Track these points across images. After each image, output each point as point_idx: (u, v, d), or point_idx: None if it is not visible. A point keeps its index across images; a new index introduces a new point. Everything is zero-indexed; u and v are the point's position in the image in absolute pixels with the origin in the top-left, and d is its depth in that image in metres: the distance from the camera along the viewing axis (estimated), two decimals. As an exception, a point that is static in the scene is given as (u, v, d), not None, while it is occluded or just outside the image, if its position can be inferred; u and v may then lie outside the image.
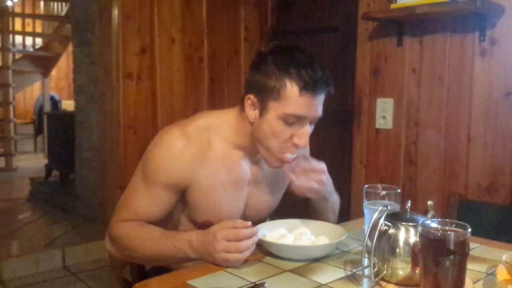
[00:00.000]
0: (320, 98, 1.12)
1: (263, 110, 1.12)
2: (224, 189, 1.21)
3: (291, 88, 1.08)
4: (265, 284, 0.92)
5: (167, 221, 1.24)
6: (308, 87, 1.07)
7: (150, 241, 1.11)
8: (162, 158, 1.15)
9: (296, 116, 1.09)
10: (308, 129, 1.13)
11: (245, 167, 1.24)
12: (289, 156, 1.15)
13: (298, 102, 1.08)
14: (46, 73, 6.73)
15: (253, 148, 1.20)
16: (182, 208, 1.24)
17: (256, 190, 1.28)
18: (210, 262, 1.04)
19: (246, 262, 1.05)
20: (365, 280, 0.97)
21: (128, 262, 1.35)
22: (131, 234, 1.14)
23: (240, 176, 1.23)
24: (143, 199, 1.17)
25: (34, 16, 6.87)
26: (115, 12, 2.52)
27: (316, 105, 1.11)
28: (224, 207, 1.22)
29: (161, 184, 1.15)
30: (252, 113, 1.14)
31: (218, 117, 1.24)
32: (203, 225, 1.20)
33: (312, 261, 1.07)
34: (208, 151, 1.18)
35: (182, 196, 1.20)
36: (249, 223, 1.05)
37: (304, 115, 1.10)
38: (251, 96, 1.13)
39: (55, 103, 7.15)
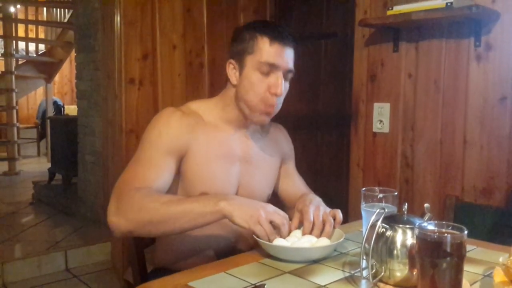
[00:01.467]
0: (289, 51, 1.26)
1: (241, 68, 1.26)
2: (217, 161, 1.29)
3: (262, 40, 1.24)
4: (265, 286, 0.93)
5: None
6: (277, 37, 1.23)
7: (175, 199, 1.16)
8: (163, 125, 1.26)
9: (269, 64, 1.23)
10: (282, 79, 1.24)
11: (236, 142, 1.34)
12: (270, 103, 1.25)
13: (269, 51, 1.23)
14: (49, 78, 6.75)
15: (241, 121, 1.32)
16: (178, 183, 1.28)
17: (247, 169, 1.34)
18: (238, 216, 1.06)
19: (245, 262, 1.07)
20: (363, 281, 0.97)
21: (130, 259, 1.36)
22: (152, 196, 1.13)
23: (232, 150, 1.32)
24: (150, 166, 1.20)
25: (37, 22, 6.90)
26: (117, 19, 2.55)
27: (285, 56, 1.25)
28: (219, 180, 1.28)
29: (164, 149, 1.22)
30: (233, 75, 1.29)
31: (205, 101, 1.38)
32: None
33: (311, 263, 1.08)
34: (202, 124, 1.29)
35: (179, 168, 1.26)
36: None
37: (276, 63, 1.23)
38: (232, 61, 1.29)
39: (58, 108, 7.18)
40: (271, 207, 1.11)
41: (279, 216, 1.10)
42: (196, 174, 1.27)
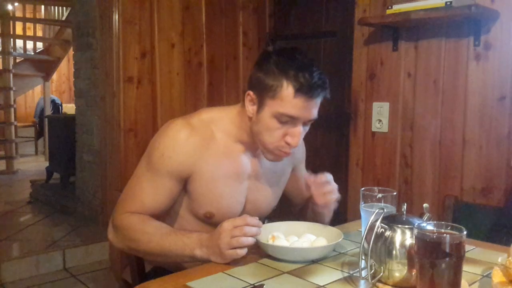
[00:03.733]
0: (315, 102, 1.15)
1: (260, 106, 1.16)
2: (225, 180, 1.24)
3: (287, 89, 1.12)
4: (264, 286, 0.93)
5: (166, 215, 1.27)
6: (303, 90, 1.11)
7: (158, 235, 1.14)
8: (166, 146, 1.19)
9: (289, 116, 1.13)
10: (301, 129, 1.17)
11: (246, 161, 1.28)
12: (284, 151, 1.20)
13: (292, 103, 1.12)
14: (47, 76, 6.73)
15: (252, 142, 1.24)
16: (183, 200, 1.26)
17: (256, 185, 1.31)
18: (214, 260, 1.07)
19: (244, 263, 1.07)
20: (362, 281, 0.98)
21: (128, 259, 1.36)
22: (138, 227, 1.15)
23: (241, 169, 1.27)
24: (148, 189, 1.19)
25: (35, 20, 6.88)
26: (116, 17, 2.54)
27: (309, 108, 1.14)
28: (225, 199, 1.25)
29: (166, 172, 1.18)
30: (250, 108, 1.19)
31: (220, 112, 1.29)
32: (204, 217, 1.24)
33: (309, 263, 1.08)
34: (211, 142, 1.23)
35: (184, 187, 1.24)
36: (256, 218, 1.10)
37: (297, 116, 1.14)
38: (251, 93, 1.18)
39: (56, 106, 7.15)
40: (226, 227, 1.06)
41: (236, 230, 1.06)
42: (203, 195, 1.24)
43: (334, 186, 1.25)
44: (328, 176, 1.24)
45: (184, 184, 1.23)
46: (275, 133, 1.16)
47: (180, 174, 1.20)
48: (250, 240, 1.06)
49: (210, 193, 1.23)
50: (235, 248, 1.05)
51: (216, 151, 1.23)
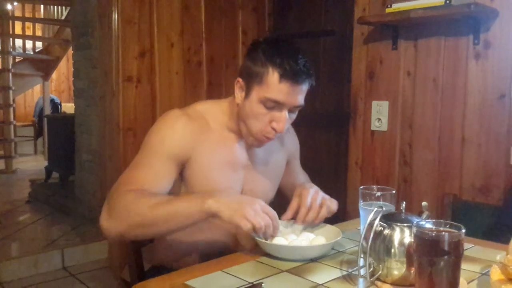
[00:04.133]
0: (300, 88, 1.19)
1: (248, 92, 1.21)
2: (220, 168, 1.27)
3: (273, 75, 1.16)
4: (263, 284, 0.93)
5: None
6: (288, 75, 1.15)
7: (164, 201, 1.11)
8: (166, 130, 1.23)
9: (274, 101, 1.17)
10: (287, 115, 1.20)
11: (240, 150, 1.31)
12: (269, 136, 1.22)
13: (277, 88, 1.16)
14: (46, 76, 6.72)
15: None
16: (180, 191, 1.27)
17: (251, 175, 1.33)
18: (226, 213, 1.04)
19: (243, 261, 1.07)
20: (360, 280, 0.98)
21: (127, 258, 1.35)
22: (140, 199, 1.11)
23: (236, 158, 1.30)
24: (148, 171, 1.18)
25: (34, 20, 6.88)
26: (115, 16, 2.54)
27: (295, 94, 1.18)
28: (221, 187, 1.26)
29: (165, 154, 1.20)
30: (239, 95, 1.23)
31: (214, 104, 1.34)
32: None
33: (308, 261, 1.08)
34: (206, 131, 1.27)
35: (181, 175, 1.25)
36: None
37: (282, 101, 1.17)
38: (240, 80, 1.23)
39: (55, 105, 7.15)
40: (258, 205, 1.07)
41: (265, 215, 1.06)
42: (199, 181, 1.25)
43: (315, 207, 1.21)
44: (307, 200, 1.21)
45: (181, 171, 1.24)
46: (261, 118, 1.20)
47: (178, 157, 1.22)
48: (261, 232, 1.06)
49: (206, 180, 1.25)
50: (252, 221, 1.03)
51: (212, 140, 1.26)
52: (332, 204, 1.25)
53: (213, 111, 1.31)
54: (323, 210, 1.21)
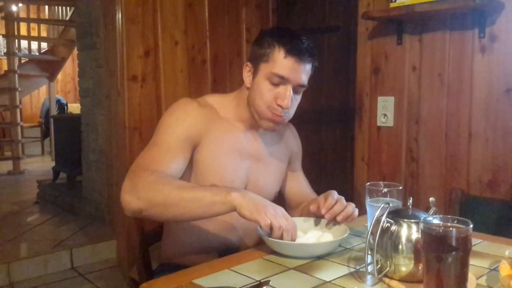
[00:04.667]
0: (304, 67, 1.25)
1: (255, 73, 1.27)
2: (228, 154, 1.31)
3: (279, 52, 1.23)
4: (270, 282, 0.93)
5: None
6: (293, 51, 1.22)
7: (188, 187, 1.15)
8: (181, 112, 1.29)
9: (279, 76, 1.23)
10: (291, 92, 1.24)
11: (246, 140, 1.36)
12: (277, 113, 1.25)
13: (283, 64, 1.22)
14: (52, 76, 6.76)
15: (252, 120, 1.33)
16: (190, 177, 1.30)
17: (256, 166, 1.36)
18: (246, 208, 1.06)
19: (250, 259, 1.07)
20: (368, 277, 0.97)
21: (135, 257, 1.36)
22: (165, 179, 1.14)
23: (243, 147, 1.34)
24: (165, 151, 1.22)
25: (39, 21, 6.91)
26: (119, 16, 2.54)
27: (299, 71, 1.24)
28: (228, 173, 1.30)
29: (180, 134, 1.24)
30: (247, 78, 1.30)
31: (222, 96, 1.41)
32: None
33: (315, 259, 1.08)
34: (216, 118, 1.32)
35: (191, 159, 1.28)
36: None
37: (287, 76, 1.23)
38: (248, 63, 1.30)
39: (61, 106, 7.19)
40: (280, 210, 1.10)
41: (285, 221, 1.08)
42: (208, 165, 1.29)
43: (343, 203, 1.22)
44: (334, 195, 1.23)
45: (192, 154, 1.28)
46: (266, 95, 1.24)
47: (192, 139, 1.26)
48: (278, 232, 1.07)
49: (214, 164, 1.29)
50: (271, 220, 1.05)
51: (221, 127, 1.31)
52: (355, 210, 1.24)
53: (222, 102, 1.36)
54: (349, 207, 1.21)
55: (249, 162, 1.35)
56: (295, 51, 1.22)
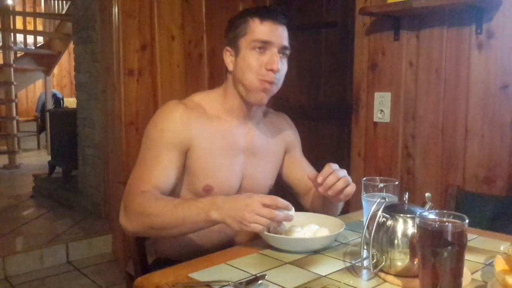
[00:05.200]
0: (282, 28, 1.26)
1: (237, 52, 1.27)
2: (221, 153, 1.30)
3: (253, 21, 1.25)
4: (266, 276, 0.93)
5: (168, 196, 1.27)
6: (267, 15, 1.25)
7: (171, 206, 1.14)
8: (165, 121, 1.27)
9: (261, 41, 1.24)
10: (278, 55, 1.25)
11: (238, 135, 1.34)
12: (267, 80, 1.25)
13: (261, 29, 1.24)
14: (48, 71, 6.73)
15: (242, 109, 1.32)
16: (183, 179, 1.29)
17: (251, 160, 1.35)
18: (230, 223, 1.06)
19: (246, 253, 1.07)
20: (364, 271, 0.98)
21: (131, 251, 1.37)
22: (150, 202, 1.15)
23: (235, 143, 1.33)
24: (154, 166, 1.22)
25: (35, 15, 6.86)
26: (115, 10, 2.53)
27: (278, 32, 1.25)
28: (223, 171, 1.30)
29: (167, 145, 1.24)
30: (229, 61, 1.30)
31: (208, 93, 1.40)
32: (204, 192, 1.27)
33: (311, 253, 1.08)
34: (204, 118, 1.30)
35: (183, 163, 1.27)
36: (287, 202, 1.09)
37: (269, 40, 1.24)
38: (227, 47, 1.30)
39: (57, 100, 7.16)
40: (256, 202, 1.05)
41: (265, 211, 1.05)
42: (201, 167, 1.28)
43: (342, 173, 1.21)
44: (333, 166, 1.21)
45: (184, 158, 1.27)
46: (254, 64, 1.24)
47: (180, 145, 1.25)
48: (274, 224, 1.07)
49: (208, 165, 1.28)
50: (256, 223, 1.04)
51: (210, 127, 1.30)
52: (351, 185, 1.22)
53: (209, 99, 1.35)
54: (340, 182, 1.18)
55: (244, 157, 1.34)
56: (269, 15, 1.25)
